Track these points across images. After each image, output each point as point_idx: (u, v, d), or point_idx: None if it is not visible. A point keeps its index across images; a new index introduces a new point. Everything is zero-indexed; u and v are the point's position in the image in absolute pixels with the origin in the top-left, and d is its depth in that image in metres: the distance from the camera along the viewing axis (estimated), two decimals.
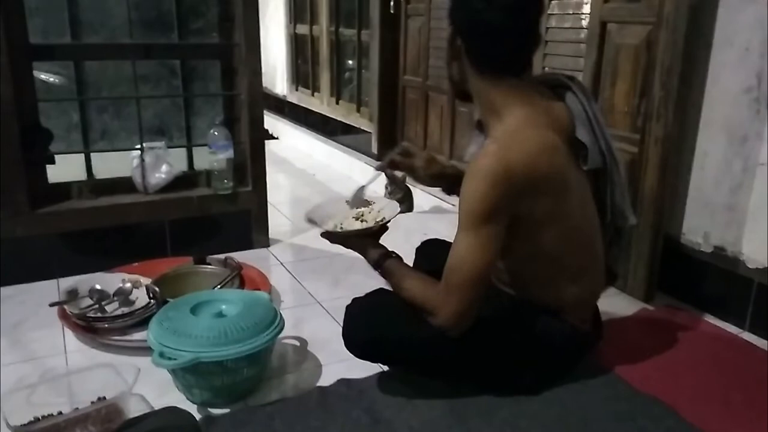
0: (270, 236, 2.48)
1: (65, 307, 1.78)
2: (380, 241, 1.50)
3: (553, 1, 2.39)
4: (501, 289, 1.52)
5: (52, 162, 2.15)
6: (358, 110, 4.10)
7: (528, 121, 1.34)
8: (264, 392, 1.51)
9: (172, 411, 1.35)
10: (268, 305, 1.56)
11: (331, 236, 1.49)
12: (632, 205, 1.57)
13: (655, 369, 1.61)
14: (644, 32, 1.93)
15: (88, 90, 2.26)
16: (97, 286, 1.86)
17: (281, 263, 2.34)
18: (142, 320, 1.72)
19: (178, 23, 2.28)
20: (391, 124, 3.67)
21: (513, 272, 1.48)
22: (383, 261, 1.44)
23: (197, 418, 1.34)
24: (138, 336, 1.67)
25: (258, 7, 2.26)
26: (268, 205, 2.45)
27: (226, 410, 1.43)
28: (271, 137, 4.88)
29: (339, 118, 4.31)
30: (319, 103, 4.61)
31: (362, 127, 3.99)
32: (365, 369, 1.55)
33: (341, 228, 1.49)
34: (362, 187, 1.60)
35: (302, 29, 4.79)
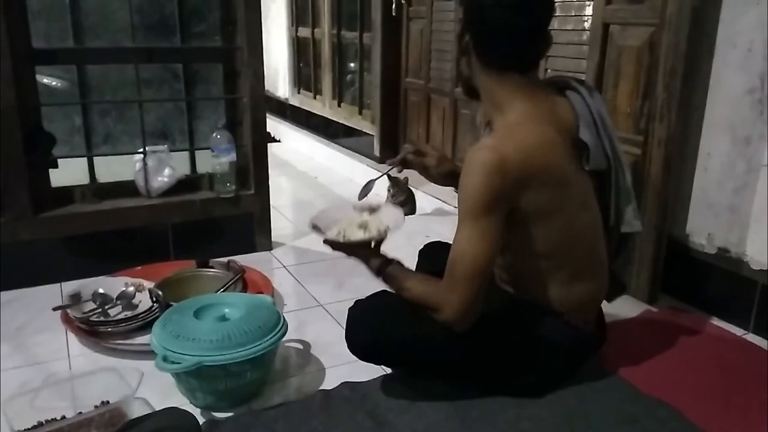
0: (273, 239, 2.48)
1: (68, 311, 1.78)
2: (383, 246, 1.50)
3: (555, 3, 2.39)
4: (502, 288, 1.52)
5: (55, 166, 2.15)
6: (360, 113, 4.10)
7: (528, 116, 1.36)
8: (267, 396, 1.51)
9: (173, 411, 1.35)
10: (271, 308, 1.56)
11: (333, 244, 1.49)
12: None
13: (659, 371, 1.60)
14: (647, 34, 1.93)
15: (90, 94, 2.26)
16: (100, 290, 1.86)
17: (284, 266, 2.34)
18: (145, 324, 1.72)
19: (181, 27, 2.29)
20: (393, 127, 3.68)
21: (512, 270, 1.48)
22: (384, 268, 1.45)
23: (200, 422, 1.34)
24: (141, 340, 1.67)
25: (260, 10, 2.26)
26: (271, 208, 2.45)
27: (229, 414, 1.43)
28: (273, 140, 4.88)
29: (341, 121, 4.32)
30: (321, 106, 4.61)
31: (364, 130, 4.00)
32: (368, 372, 1.55)
33: (343, 237, 1.50)
34: (371, 181, 1.63)
35: (304, 32, 4.80)
